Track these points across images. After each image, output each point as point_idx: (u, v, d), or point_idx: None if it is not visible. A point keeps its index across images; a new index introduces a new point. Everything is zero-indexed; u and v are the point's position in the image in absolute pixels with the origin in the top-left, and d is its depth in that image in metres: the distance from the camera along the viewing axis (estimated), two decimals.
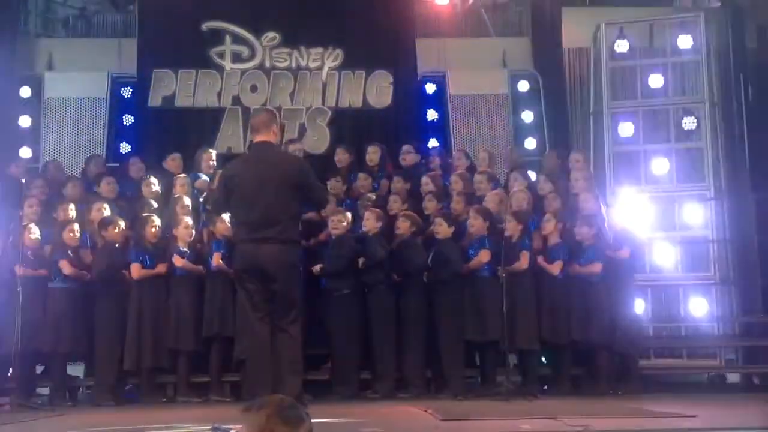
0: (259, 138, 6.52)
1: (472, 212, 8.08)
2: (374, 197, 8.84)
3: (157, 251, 8.10)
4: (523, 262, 7.87)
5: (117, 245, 8.05)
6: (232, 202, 6.46)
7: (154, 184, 8.94)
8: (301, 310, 6.50)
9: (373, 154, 9.66)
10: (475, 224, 7.98)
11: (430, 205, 8.65)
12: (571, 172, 9.08)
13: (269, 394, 6.03)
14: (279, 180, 6.29)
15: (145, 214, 8.28)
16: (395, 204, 8.63)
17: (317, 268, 8.07)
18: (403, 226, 8.12)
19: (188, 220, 8.21)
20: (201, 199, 8.84)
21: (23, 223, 8.00)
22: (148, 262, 8.00)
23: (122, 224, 8.12)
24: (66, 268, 7.83)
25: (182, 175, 9.11)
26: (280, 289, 6.25)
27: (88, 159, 10.03)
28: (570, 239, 8.23)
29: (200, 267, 8.10)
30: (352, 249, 8.11)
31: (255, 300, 6.30)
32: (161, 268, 7.99)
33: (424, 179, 9.11)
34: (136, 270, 7.92)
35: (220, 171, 8.66)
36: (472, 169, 9.51)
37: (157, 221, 8.17)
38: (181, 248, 8.09)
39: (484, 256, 7.82)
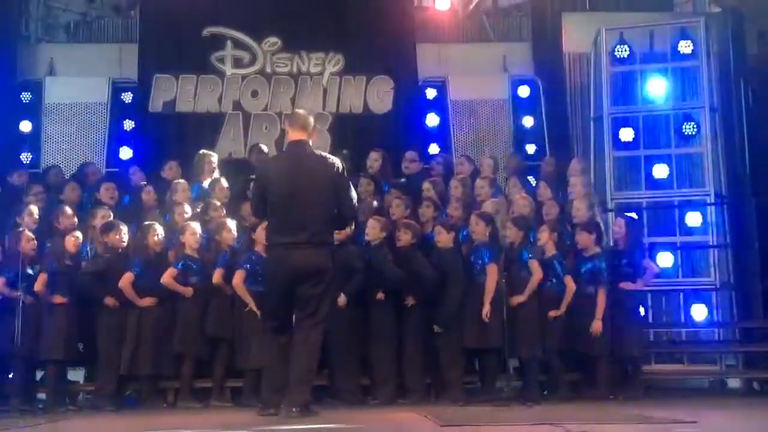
0: (296, 136, 6.36)
1: (474, 217, 8.06)
2: (375, 204, 8.79)
3: (160, 260, 8.09)
4: (536, 275, 7.86)
5: (120, 251, 8.04)
6: (268, 202, 6.29)
7: (153, 192, 8.96)
8: (325, 318, 6.37)
9: (374, 161, 9.64)
10: (477, 229, 7.96)
11: (427, 212, 8.60)
12: (569, 178, 9.11)
13: (279, 399, 6.11)
14: (313, 179, 6.18)
15: (147, 223, 8.27)
16: (398, 210, 8.57)
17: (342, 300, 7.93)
18: (404, 238, 8.04)
19: (194, 225, 8.19)
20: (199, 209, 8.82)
21: (20, 230, 8.00)
22: (148, 276, 7.98)
23: (124, 230, 8.10)
24: (39, 284, 7.77)
25: (181, 181, 9.10)
26: (310, 293, 6.16)
27: (82, 166, 10.01)
28: (567, 247, 8.24)
29: (189, 290, 7.97)
30: (359, 259, 8.05)
31: (280, 308, 6.27)
32: (147, 301, 7.92)
33: (426, 185, 9.09)
34: (126, 279, 7.87)
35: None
36: (475, 174, 9.51)
37: (159, 230, 8.15)
38: (188, 255, 8.06)
39: (492, 272, 7.76)
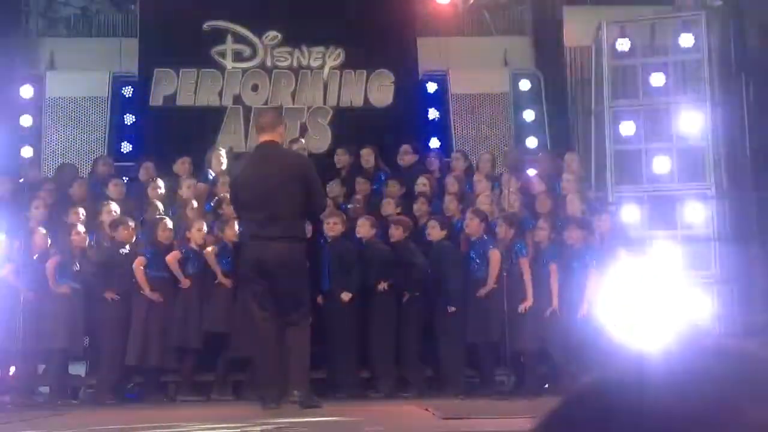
0: (264, 138, 6.58)
1: (469, 213, 8.15)
2: (361, 203, 8.86)
3: (168, 253, 8.11)
4: (526, 274, 7.86)
5: (128, 246, 8.08)
6: (240, 201, 6.56)
7: (160, 187, 8.98)
8: (309, 309, 6.60)
9: (367, 156, 9.70)
10: (471, 225, 8.02)
11: (422, 208, 8.69)
12: (563, 173, 9.13)
13: (278, 391, 6.20)
14: (284, 178, 6.36)
15: (157, 217, 8.31)
16: (388, 207, 8.67)
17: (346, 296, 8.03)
18: (396, 233, 8.17)
19: (201, 223, 8.25)
20: (212, 204, 8.85)
21: (30, 226, 8.03)
22: (155, 267, 8.00)
23: (132, 225, 8.14)
24: (50, 268, 7.81)
25: (188, 179, 9.13)
26: (287, 288, 6.32)
27: (97, 159, 10.05)
28: (561, 241, 8.25)
29: (186, 281, 8.02)
30: (353, 254, 8.13)
31: (261, 299, 6.37)
32: (155, 295, 7.95)
33: (421, 180, 9.15)
34: (139, 262, 7.92)
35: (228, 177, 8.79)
36: (470, 170, 9.53)
37: (169, 224, 8.21)
38: (192, 248, 8.09)
39: (495, 257, 7.79)
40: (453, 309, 7.86)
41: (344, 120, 11.17)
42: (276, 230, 6.26)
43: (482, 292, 7.82)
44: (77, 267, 7.99)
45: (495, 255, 7.83)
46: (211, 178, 9.33)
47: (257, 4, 11.28)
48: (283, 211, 6.31)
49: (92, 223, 8.42)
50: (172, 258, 8.03)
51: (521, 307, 7.74)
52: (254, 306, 6.47)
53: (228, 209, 8.50)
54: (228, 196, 8.63)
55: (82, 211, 8.43)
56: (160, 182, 9.04)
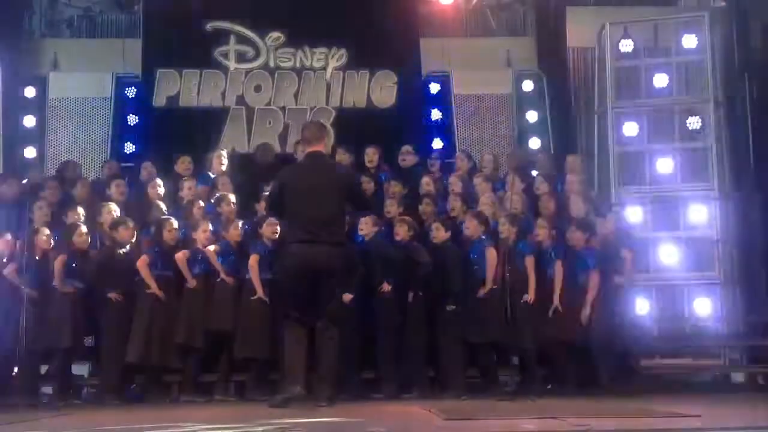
0: (311, 148, 6.87)
1: (468, 215, 8.18)
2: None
3: (172, 253, 8.11)
4: (530, 271, 7.88)
5: (129, 247, 8.07)
6: (287, 205, 6.78)
7: (160, 186, 8.98)
8: (340, 313, 6.82)
9: (372, 155, 9.71)
10: (470, 226, 8.06)
11: (427, 209, 8.70)
12: (566, 174, 9.13)
13: (302, 391, 6.30)
14: (331, 186, 6.70)
15: (163, 217, 8.32)
16: (392, 208, 8.67)
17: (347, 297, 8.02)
18: (401, 231, 8.16)
19: (207, 224, 8.24)
20: (212, 200, 8.87)
21: (34, 226, 8.04)
22: (160, 266, 8.00)
23: (131, 225, 8.14)
24: (58, 264, 7.83)
25: (187, 177, 9.13)
26: (329, 289, 6.61)
27: (103, 164, 10.09)
28: (564, 242, 8.25)
29: (193, 281, 8.05)
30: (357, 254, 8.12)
31: (298, 300, 6.61)
32: (160, 292, 7.94)
33: (425, 179, 9.15)
34: (143, 260, 7.92)
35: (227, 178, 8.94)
36: (474, 170, 9.54)
37: (175, 224, 8.21)
38: (198, 249, 8.09)
39: (491, 254, 7.82)
40: (452, 307, 7.86)
41: (347, 121, 11.19)
42: (322, 234, 6.54)
43: (481, 292, 7.82)
44: (79, 267, 7.99)
45: (491, 253, 7.84)
46: (213, 177, 9.33)
47: (260, 5, 11.32)
48: (328, 217, 6.61)
49: (93, 223, 8.42)
50: (181, 256, 8.02)
51: (524, 298, 7.77)
52: (291, 306, 6.68)
53: (227, 208, 8.51)
54: (228, 195, 8.68)
55: (81, 211, 8.42)
56: (160, 181, 9.03)
